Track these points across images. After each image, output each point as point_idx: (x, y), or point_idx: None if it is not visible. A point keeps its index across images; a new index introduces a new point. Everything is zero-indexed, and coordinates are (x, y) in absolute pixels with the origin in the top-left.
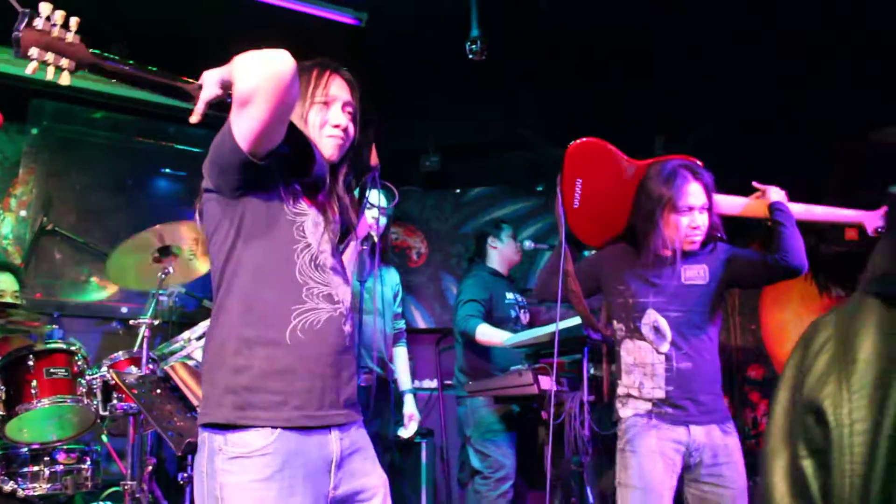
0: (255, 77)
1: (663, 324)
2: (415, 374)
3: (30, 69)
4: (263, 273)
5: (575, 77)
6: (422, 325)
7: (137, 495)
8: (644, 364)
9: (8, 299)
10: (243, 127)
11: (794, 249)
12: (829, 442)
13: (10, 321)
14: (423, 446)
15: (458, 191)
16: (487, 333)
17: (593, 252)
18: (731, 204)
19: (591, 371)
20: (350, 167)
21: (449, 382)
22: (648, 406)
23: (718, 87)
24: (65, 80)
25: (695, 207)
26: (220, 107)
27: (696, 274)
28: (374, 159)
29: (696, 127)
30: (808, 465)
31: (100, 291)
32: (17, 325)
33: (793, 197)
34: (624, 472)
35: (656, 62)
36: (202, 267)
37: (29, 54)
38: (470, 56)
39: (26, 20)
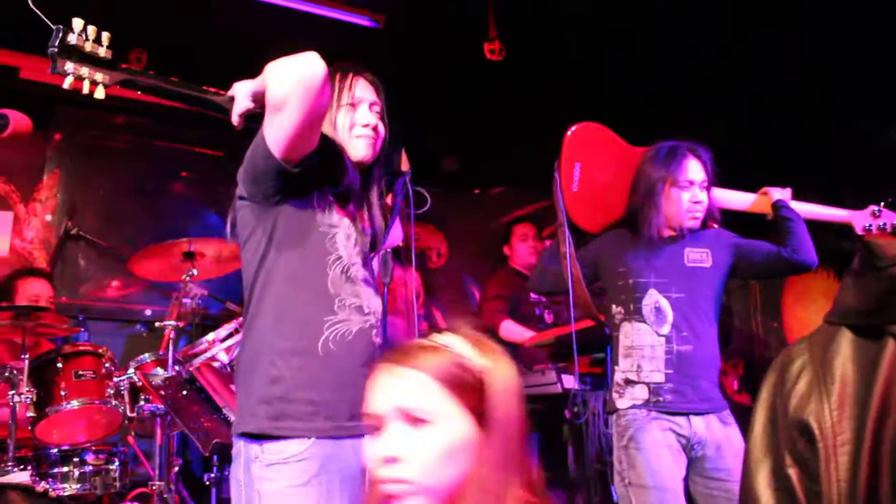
0: (287, 83)
1: (665, 305)
2: None
3: (67, 84)
4: (296, 283)
5: (596, 76)
6: (442, 325)
7: (165, 496)
8: (643, 346)
9: (43, 303)
10: (276, 133)
11: (806, 244)
12: (816, 452)
13: (40, 324)
14: None
15: (477, 191)
16: (511, 329)
17: (591, 241)
18: (733, 199)
19: None
20: (382, 171)
21: None
22: (646, 393)
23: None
24: (99, 93)
25: (695, 182)
26: (252, 118)
27: (699, 257)
28: (404, 164)
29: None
30: (793, 472)
31: (124, 294)
32: (47, 329)
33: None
34: (632, 470)
35: (678, 63)
36: (224, 269)
37: (65, 69)
38: (488, 56)
39: (60, 36)
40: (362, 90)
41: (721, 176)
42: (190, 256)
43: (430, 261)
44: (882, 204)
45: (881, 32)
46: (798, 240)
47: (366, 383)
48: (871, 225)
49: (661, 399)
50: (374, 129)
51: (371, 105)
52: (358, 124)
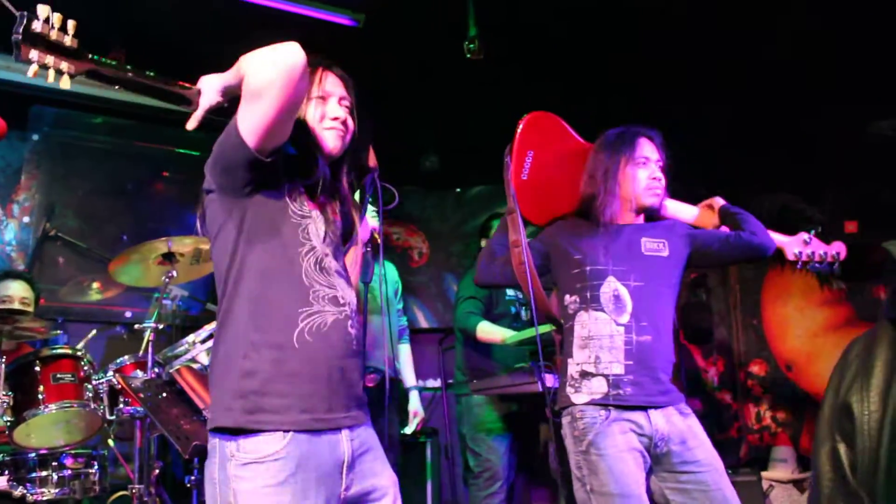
0: (269, 69)
1: (624, 293)
2: (418, 374)
3: (30, 72)
4: (270, 276)
5: (574, 75)
6: (424, 324)
7: (145, 499)
8: (601, 336)
9: (16, 305)
10: (253, 122)
11: (762, 229)
12: (855, 430)
13: (17, 327)
14: (428, 445)
15: (458, 190)
16: (487, 331)
17: (540, 232)
18: (678, 209)
19: None
20: (351, 166)
21: (452, 382)
22: (605, 386)
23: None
24: (65, 83)
25: (650, 159)
26: (220, 112)
27: (656, 246)
28: (372, 161)
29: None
30: (842, 448)
31: (103, 296)
32: (24, 332)
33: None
34: (594, 477)
35: (660, 60)
36: (204, 270)
37: (29, 57)
38: (468, 55)
39: (24, 22)
40: (332, 84)
41: (704, 173)
42: (169, 258)
43: (411, 260)
44: (812, 233)
45: (867, 24)
46: (755, 225)
47: (341, 375)
48: (800, 252)
49: (620, 392)
50: (344, 122)
51: (340, 99)
52: (328, 117)
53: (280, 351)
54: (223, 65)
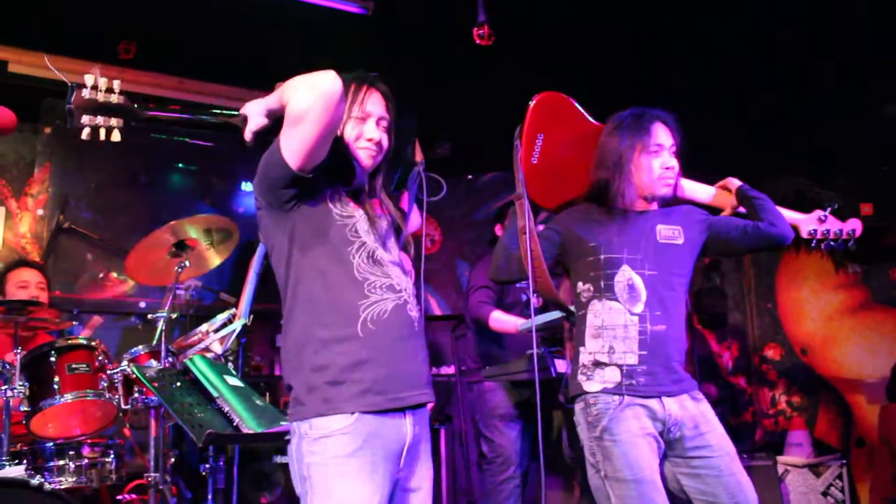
0: (308, 98)
1: (638, 282)
2: (432, 361)
3: (84, 135)
4: (325, 277)
5: (583, 59)
6: (437, 311)
7: (161, 487)
8: (615, 326)
9: (34, 290)
10: (294, 145)
11: (780, 218)
12: None
13: (32, 319)
14: (442, 432)
15: (470, 177)
16: (500, 320)
17: (552, 219)
18: (694, 189)
19: None
20: (387, 174)
21: (465, 369)
22: (618, 377)
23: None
24: (116, 136)
25: (664, 147)
26: (263, 133)
27: (671, 234)
28: (418, 155)
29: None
30: None
31: (118, 287)
32: (39, 322)
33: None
34: (608, 463)
35: (666, 43)
36: (216, 259)
37: (82, 122)
38: (477, 41)
39: (74, 93)
40: (373, 104)
41: (714, 159)
42: (181, 247)
43: (423, 247)
44: (829, 210)
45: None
46: (774, 214)
47: (407, 355)
48: (815, 230)
49: (633, 382)
50: (378, 143)
51: (379, 120)
52: (363, 137)
53: (347, 343)
54: (233, 56)
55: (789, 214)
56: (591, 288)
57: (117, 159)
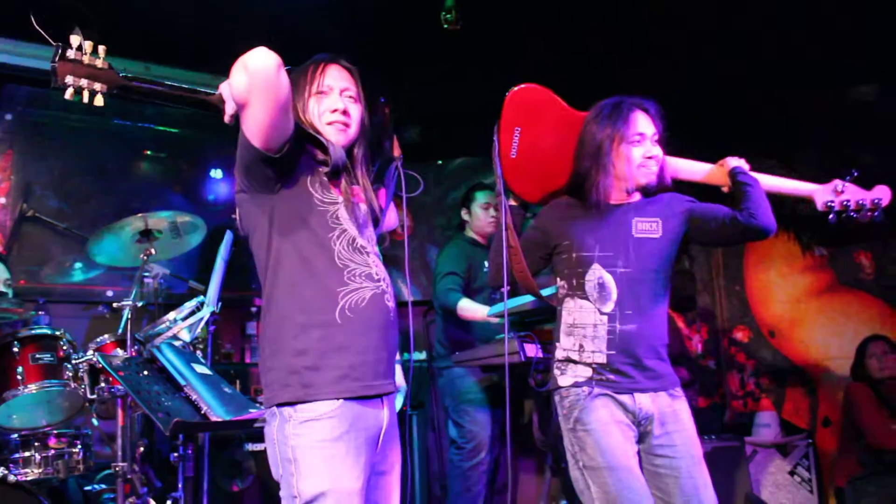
0: (243, 79)
1: (609, 280)
2: (403, 347)
3: (68, 94)
4: (305, 263)
5: (552, 43)
6: (407, 298)
7: (129, 476)
8: (585, 325)
9: (2, 287)
10: (250, 126)
11: (764, 209)
12: None
13: None
14: (415, 418)
15: (440, 162)
16: (468, 308)
17: (537, 217)
18: (689, 169)
19: None
20: (366, 152)
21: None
22: (588, 372)
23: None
24: (99, 101)
25: (646, 136)
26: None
27: (648, 227)
28: (396, 150)
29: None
30: None
31: (84, 276)
32: (3, 314)
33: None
34: (583, 453)
35: (639, 27)
36: (184, 245)
37: (66, 82)
38: (445, 26)
39: (59, 52)
40: (333, 78)
41: (681, 146)
42: (147, 234)
43: (395, 234)
44: (847, 179)
45: None
46: (755, 204)
47: (383, 344)
48: (832, 201)
49: (603, 378)
50: (344, 112)
51: (342, 91)
52: (327, 110)
53: (326, 328)
54: (196, 42)
55: (802, 185)
56: (566, 285)
57: (83, 147)
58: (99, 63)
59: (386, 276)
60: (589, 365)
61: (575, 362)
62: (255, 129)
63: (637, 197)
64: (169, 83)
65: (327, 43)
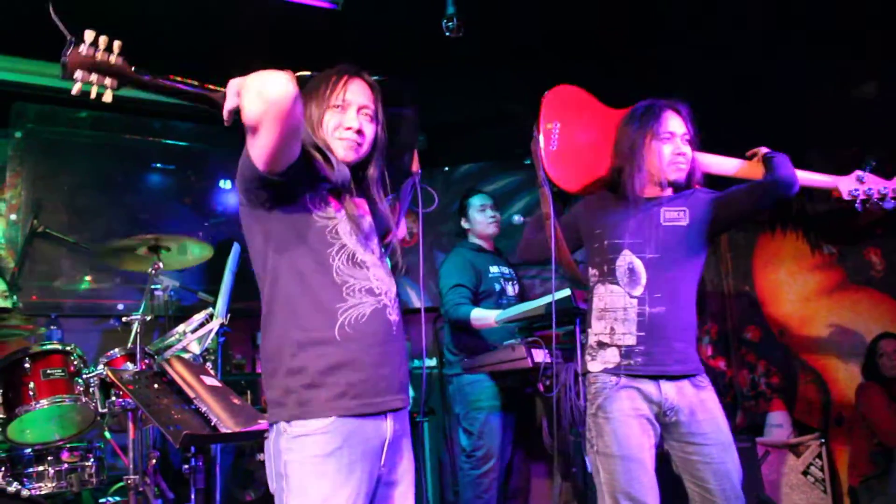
0: (258, 107)
1: (638, 265)
2: (413, 354)
3: (75, 90)
4: (302, 279)
5: (556, 48)
6: (417, 304)
7: (141, 489)
8: (616, 309)
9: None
10: (256, 150)
11: (783, 168)
12: None
13: (4, 325)
14: (426, 426)
15: (446, 168)
16: (480, 317)
17: (573, 206)
18: (724, 165)
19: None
20: (381, 169)
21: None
22: (617, 357)
23: (701, 56)
24: (107, 97)
25: (676, 134)
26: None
27: (675, 215)
28: (415, 165)
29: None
30: None
31: (95, 290)
32: (12, 329)
33: None
34: (600, 439)
35: (636, 31)
36: (193, 260)
37: (74, 77)
38: (447, 33)
39: (72, 46)
40: (353, 93)
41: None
42: (155, 250)
43: (403, 241)
44: (867, 169)
45: None
46: (779, 167)
47: (385, 360)
48: (857, 190)
49: (631, 362)
50: (359, 132)
51: (360, 108)
52: (342, 127)
53: (324, 346)
54: (201, 52)
55: (825, 177)
56: (597, 273)
57: (91, 162)
58: (113, 59)
59: (390, 289)
60: (618, 347)
61: (606, 345)
62: (261, 153)
63: (668, 192)
64: (179, 79)
65: (332, 51)
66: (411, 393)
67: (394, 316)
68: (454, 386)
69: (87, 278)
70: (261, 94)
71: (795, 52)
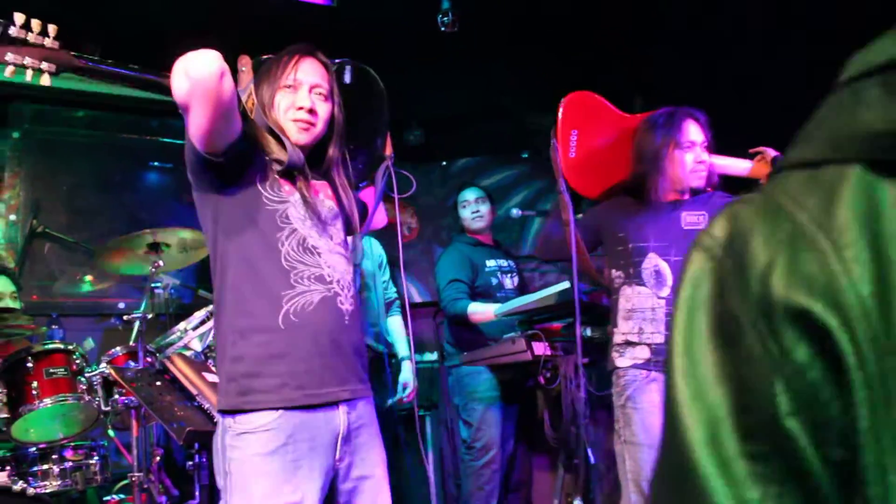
0: (184, 85)
1: (665, 268)
2: (415, 348)
3: (7, 72)
4: (249, 264)
5: (552, 42)
6: (417, 299)
7: (146, 486)
8: (644, 309)
9: (8, 302)
10: (192, 131)
11: None
12: (844, 372)
13: (7, 325)
14: (428, 419)
15: (444, 163)
16: (478, 311)
17: (591, 209)
18: (733, 166)
19: (588, 333)
20: (342, 150)
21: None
22: (647, 354)
23: (697, 51)
24: (45, 81)
25: (696, 143)
26: None
27: (695, 220)
28: (388, 149)
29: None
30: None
31: (96, 289)
32: (15, 329)
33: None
34: (627, 428)
35: (632, 24)
36: (193, 258)
37: (5, 59)
38: (442, 28)
39: (1, 29)
40: (305, 73)
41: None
42: (155, 248)
43: (400, 237)
44: None
45: None
46: None
47: (334, 350)
48: None
49: (661, 359)
50: (311, 111)
51: (312, 87)
52: (293, 107)
53: (266, 334)
54: (194, 49)
55: None
56: (622, 274)
57: (89, 161)
58: (48, 42)
59: (345, 276)
60: (648, 346)
61: (634, 344)
62: (196, 132)
63: (687, 195)
64: (121, 64)
65: (327, 48)
66: (413, 385)
67: (346, 305)
68: (453, 377)
69: (88, 278)
70: (186, 73)
71: (795, 52)
